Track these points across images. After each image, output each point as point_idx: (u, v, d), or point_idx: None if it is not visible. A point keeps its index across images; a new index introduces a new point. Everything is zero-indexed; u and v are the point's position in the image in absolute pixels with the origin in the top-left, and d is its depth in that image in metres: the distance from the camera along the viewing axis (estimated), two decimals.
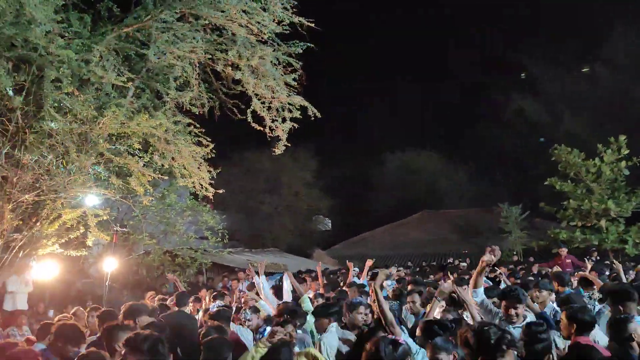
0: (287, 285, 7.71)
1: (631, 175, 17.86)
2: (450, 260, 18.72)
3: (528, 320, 4.48)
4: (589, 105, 32.35)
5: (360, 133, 38.58)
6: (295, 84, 9.72)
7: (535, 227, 23.02)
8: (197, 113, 9.86)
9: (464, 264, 15.54)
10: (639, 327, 3.57)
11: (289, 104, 9.61)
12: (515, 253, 20.91)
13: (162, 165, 9.26)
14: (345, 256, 25.33)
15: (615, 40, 32.93)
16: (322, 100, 11.19)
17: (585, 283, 6.61)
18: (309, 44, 9.60)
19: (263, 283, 7.38)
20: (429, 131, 37.42)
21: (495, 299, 4.99)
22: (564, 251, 13.14)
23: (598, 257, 14.69)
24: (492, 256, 4.49)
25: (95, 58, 7.78)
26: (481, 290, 4.70)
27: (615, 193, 17.98)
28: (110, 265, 9.45)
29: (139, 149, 8.85)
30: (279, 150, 9.90)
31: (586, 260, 9.44)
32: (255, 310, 6.23)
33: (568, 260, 12.60)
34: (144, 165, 8.89)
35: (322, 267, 10.60)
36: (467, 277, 9.56)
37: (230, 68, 9.38)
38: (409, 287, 6.99)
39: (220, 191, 10.15)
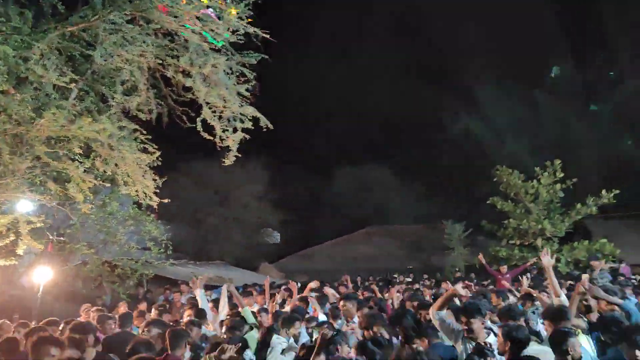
0: (223, 299, 7.62)
1: (565, 197, 18.77)
2: (395, 275, 18.94)
3: (492, 336, 4.58)
4: (530, 129, 34.00)
5: (312, 147, 38.65)
6: (248, 94, 9.60)
7: (477, 245, 23.69)
8: (144, 119, 9.56)
9: (409, 279, 15.76)
10: (577, 344, 3.70)
11: (241, 114, 9.47)
12: (457, 269, 21.44)
13: (104, 172, 8.90)
14: (292, 270, 25.26)
15: (555, 69, 34.88)
16: (275, 112, 11.09)
17: (527, 298, 6.82)
18: (263, 55, 9.54)
19: (202, 297, 7.32)
20: (380, 148, 37.98)
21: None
22: (504, 268, 13.63)
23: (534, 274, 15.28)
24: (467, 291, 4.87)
25: (36, 56, 7.41)
26: (443, 312, 4.80)
27: (550, 214, 18.84)
28: (43, 275, 8.93)
29: (79, 154, 8.45)
30: (229, 161, 9.70)
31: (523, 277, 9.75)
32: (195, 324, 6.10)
33: (507, 275, 13.11)
34: (85, 171, 8.50)
35: (269, 280, 10.43)
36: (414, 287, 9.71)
37: (181, 75, 9.16)
38: (341, 303, 6.99)
39: (166, 201, 9.86)
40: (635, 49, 32.90)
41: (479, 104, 36.06)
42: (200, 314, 6.65)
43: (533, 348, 4.08)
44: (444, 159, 35.88)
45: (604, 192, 17.72)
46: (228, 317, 6.69)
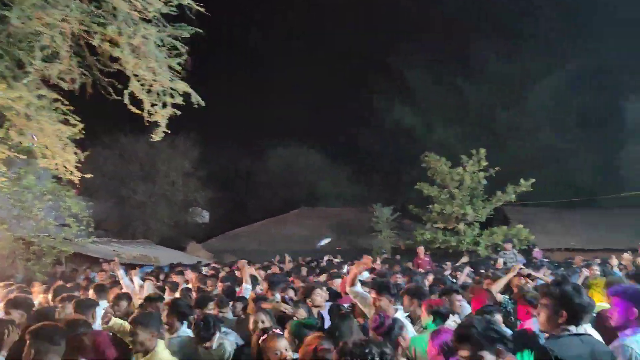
0: (136, 281, 7.69)
1: (488, 185, 19.78)
2: (327, 257, 19.22)
3: (399, 312, 4.82)
4: (458, 118, 35.34)
5: (244, 126, 38.00)
6: (180, 68, 9.23)
7: (403, 228, 24.54)
8: (66, 89, 8.95)
9: (337, 260, 16.06)
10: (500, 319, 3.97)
11: (172, 88, 9.08)
12: (384, 251, 22.09)
13: (20, 143, 8.30)
14: (221, 250, 24.97)
15: (484, 59, 36.31)
16: (207, 89, 10.76)
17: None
18: (197, 29, 9.19)
19: (123, 277, 7.34)
20: (312, 130, 38.02)
21: None
22: (421, 250, 14.19)
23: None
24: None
25: None
26: (357, 286, 5.18)
27: (473, 200, 19.81)
28: None
29: None
30: (157, 136, 9.31)
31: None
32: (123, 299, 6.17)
33: (427, 259, 13.71)
34: None
35: (195, 260, 10.29)
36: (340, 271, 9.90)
37: (108, 44, 8.62)
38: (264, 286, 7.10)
39: (88, 176, 9.38)
40: (561, 42, 34.92)
41: (410, 90, 36.97)
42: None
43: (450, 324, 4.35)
44: (375, 144, 36.56)
45: (522, 180, 18.80)
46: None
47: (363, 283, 6.82)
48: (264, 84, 39.12)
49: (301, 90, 38.62)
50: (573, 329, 2.84)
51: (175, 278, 9.53)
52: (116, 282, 8.02)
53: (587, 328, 3.01)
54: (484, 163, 19.32)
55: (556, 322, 2.89)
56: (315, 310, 5.80)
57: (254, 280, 9.33)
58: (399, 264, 14.35)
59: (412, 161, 23.74)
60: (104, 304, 6.60)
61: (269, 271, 11.62)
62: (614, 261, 10.59)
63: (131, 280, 7.95)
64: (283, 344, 3.74)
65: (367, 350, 2.55)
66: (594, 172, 32.22)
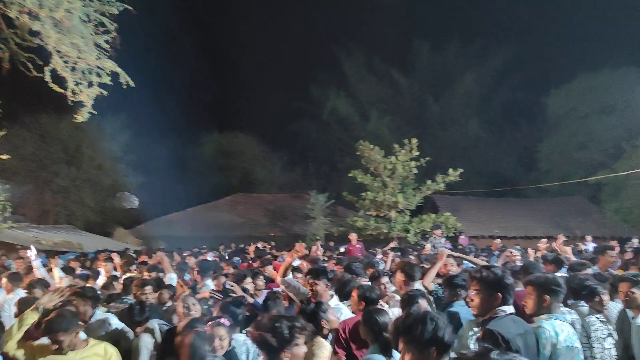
0: (56, 273, 7.47)
1: (418, 174, 20.38)
2: (259, 244, 19.14)
3: (334, 298, 4.93)
4: (392, 108, 36.10)
5: (178, 109, 36.84)
6: (108, 46, 8.77)
7: (337, 215, 24.87)
8: None
9: (269, 246, 16.06)
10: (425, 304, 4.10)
11: (98, 67, 8.63)
12: (318, 238, 22.29)
13: None
14: (151, 236, 24.21)
15: (417, 52, 37.25)
16: (138, 69, 10.30)
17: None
18: (126, 6, 8.75)
19: (38, 266, 7.15)
20: (249, 116, 37.49)
21: None
22: (353, 236, 14.40)
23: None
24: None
25: None
26: (289, 276, 5.25)
27: (404, 188, 20.35)
28: None
29: None
30: (81, 117, 8.83)
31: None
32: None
33: (359, 246, 13.99)
34: None
35: (123, 246, 9.91)
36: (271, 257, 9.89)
37: (27, 16, 8.03)
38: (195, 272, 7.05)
39: (5, 157, 8.77)
40: (488, 37, 36.36)
41: (347, 80, 37.32)
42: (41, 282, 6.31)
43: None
44: (311, 132, 36.69)
45: (451, 170, 19.51)
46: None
47: (295, 269, 6.90)
48: (200, 67, 38.10)
49: (237, 76, 38.04)
50: (506, 309, 2.98)
51: (101, 265, 9.15)
52: (32, 269, 7.60)
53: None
54: (416, 152, 19.86)
55: (492, 304, 3.00)
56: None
57: (184, 267, 9.17)
58: (337, 250, 14.57)
59: (347, 150, 24.09)
60: (20, 293, 6.25)
61: (200, 257, 11.45)
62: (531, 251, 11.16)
63: (50, 270, 7.60)
64: (222, 332, 3.78)
65: (277, 324, 2.68)
66: (517, 163, 34.12)
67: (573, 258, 7.21)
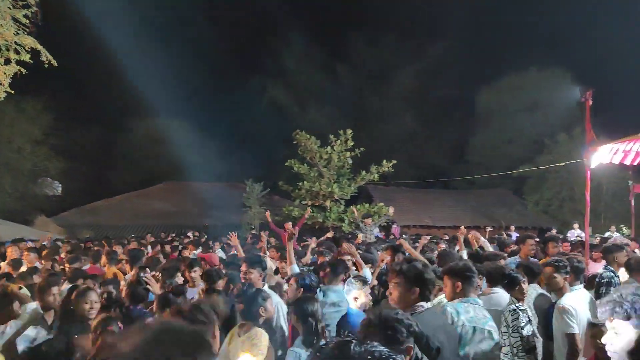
0: None
1: (353, 164, 20.63)
2: (190, 233, 18.71)
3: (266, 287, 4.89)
4: (330, 100, 36.38)
5: (107, 93, 35.08)
6: (28, 22, 8.17)
7: (273, 204, 24.73)
8: None
9: (197, 235, 15.75)
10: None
11: (17, 43, 8.04)
12: (252, 227, 22.10)
13: None
14: (75, 225, 23.04)
15: (356, 46, 37.66)
16: (63, 48, 9.67)
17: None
18: None
19: None
20: (184, 103, 36.40)
21: None
22: (288, 226, 14.38)
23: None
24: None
25: None
26: None
27: (340, 178, 20.54)
28: None
29: None
30: None
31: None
32: None
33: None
34: None
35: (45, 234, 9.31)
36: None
37: None
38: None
39: None
40: (424, 34, 37.33)
41: (285, 71, 37.18)
42: None
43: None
44: (248, 121, 36.27)
45: (384, 161, 19.89)
46: None
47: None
48: (133, 50, 36.37)
49: (173, 62, 36.78)
50: (424, 304, 2.98)
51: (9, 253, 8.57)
52: None
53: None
54: (351, 143, 20.07)
55: (409, 298, 2.99)
56: None
57: (114, 256, 8.77)
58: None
59: (285, 139, 23.95)
60: None
61: (128, 246, 11.01)
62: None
63: None
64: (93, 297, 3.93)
65: (196, 311, 2.72)
66: (448, 156, 35.41)
67: (489, 248, 7.54)
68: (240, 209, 24.01)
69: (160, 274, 6.04)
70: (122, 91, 34.80)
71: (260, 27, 39.33)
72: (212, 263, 7.78)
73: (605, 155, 7.73)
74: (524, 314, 3.95)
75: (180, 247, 11.08)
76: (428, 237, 8.61)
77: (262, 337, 3.54)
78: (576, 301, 4.02)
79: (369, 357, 1.12)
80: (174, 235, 17.75)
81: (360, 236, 10.86)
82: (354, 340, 1.19)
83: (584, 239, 9.54)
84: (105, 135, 33.61)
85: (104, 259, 8.28)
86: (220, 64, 36.80)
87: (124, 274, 7.54)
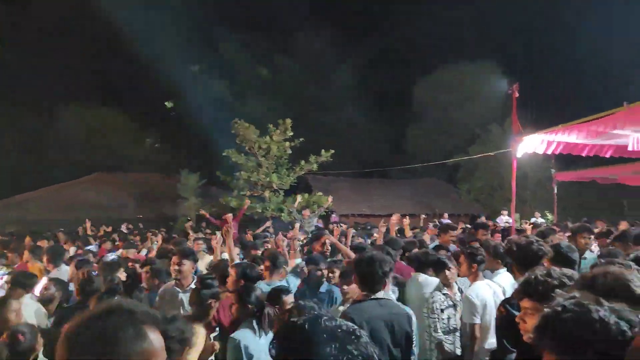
0: None
1: (293, 154, 20.58)
2: (124, 226, 18.03)
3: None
4: (269, 90, 36.08)
5: (32, 78, 32.91)
6: None
7: (210, 195, 24.30)
8: None
9: (130, 227, 15.27)
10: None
11: None
12: (189, 219, 21.62)
13: None
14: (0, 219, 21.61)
15: (295, 37, 37.57)
16: None
17: None
18: None
19: None
20: (116, 91, 34.74)
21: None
22: (229, 217, 14.22)
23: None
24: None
25: None
26: None
27: (279, 168, 20.45)
28: None
29: None
30: None
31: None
32: None
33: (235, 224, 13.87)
34: None
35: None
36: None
37: None
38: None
39: None
40: (363, 27, 37.71)
41: (222, 60, 36.50)
42: None
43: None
44: (184, 110, 35.30)
45: (323, 151, 19.96)
46: None
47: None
48: (64, 32, 34.36)
49: (106, 47, 35.14)
50: (371, 294, 3.02)
51: None
52: None
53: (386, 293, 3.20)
54: (290, 133, 20.00)
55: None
56: None
57: (38, 252, 8.27)
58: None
59: (222, 130, 23.49)
60: None
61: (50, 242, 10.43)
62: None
63: None
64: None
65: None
66: (386, 147, 36.12)
67: (409, 234, 7.81)
68: (174, 200, 23.41)
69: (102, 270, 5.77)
70: (50, 76, 32.97)
71: (198, 15, 38.21)
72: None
73: (530, 145, 8.11)
74: (447, 298, 4.08)
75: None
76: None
77: (199, 334, 3.45)
78: (483, 290, 4.06)
79: (338, 331, 1.17)
80: (108, 229, 17.03)
81: (297, 226, 10.83)
82: (325, 315, 1.24)
83: (511, 225, 10.03)
84: (30, 123, 31.69)
85: (26, 255, 7.80)
86: (154, 52, 35.47)
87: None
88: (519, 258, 3.16)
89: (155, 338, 1.28)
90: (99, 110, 33.40)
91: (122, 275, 5.67)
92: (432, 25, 37.48)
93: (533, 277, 2.21)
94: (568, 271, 2.26)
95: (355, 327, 1.23)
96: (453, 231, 7.37)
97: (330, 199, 15.21)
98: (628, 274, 1.79)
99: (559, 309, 1.35)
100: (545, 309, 1.41)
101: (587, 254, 5.49)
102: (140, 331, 1.24)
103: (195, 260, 5.11)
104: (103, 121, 33.20)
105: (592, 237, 5.68)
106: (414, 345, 3.08)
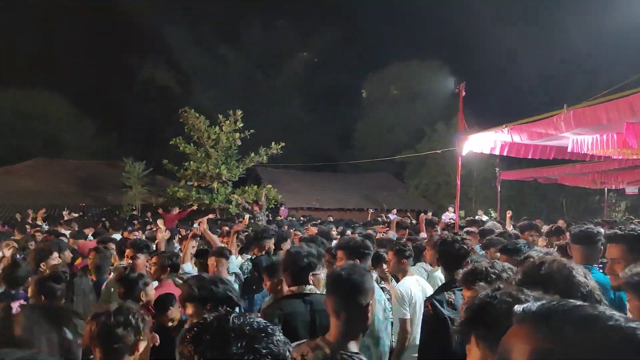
0: None
1: (242, 146, 20.33)
2: (65, 212, 17.23)
3: None
4: (218, 81, 35.49)
5: None
6: None
7: (156, 184, 23.65)
8: None
9: (75, 215, 14.65)
10: None
11: None
12: (134, 208, 21.00)
13: None
14: None
15: (245, 28, 37.13)
16: None
17: None
18: None
19: None
20: (57, 75, 33.07)
21: None
22: (175, 210, 14.13)
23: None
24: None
25: None
26: None
27: (228, 159, 20.15)
28: None
29: None
30: None
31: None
32: None
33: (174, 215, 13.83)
34: None
35: None
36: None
37: None
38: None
39: None
40: (313, 20, 37.64)
41: (168, 50, 35.71)
42: None
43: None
44: (128, 98, 34.21)
45: (273, 144, 19.83)
46: None
47: None
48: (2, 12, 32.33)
49: (47, 29, 33.38)
50: (295, 289, 2.94)
51: None
52: None
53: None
54: (240, 124, 19.73)
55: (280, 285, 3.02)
56: None
57: None
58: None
59: (169, 119, 22.94)
60: None
61: None
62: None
63: None
64: None
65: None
66: (335, 141, 36.37)
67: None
68: (118, 188, 22.62)
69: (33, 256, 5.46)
70: None
71: (149, 2, 36.98)
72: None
73: (475, 143, 8.35)
74: (385, 292, 4.13)
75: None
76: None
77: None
78: (412, 286, 4.07)
79: (247, 328, 1.16)
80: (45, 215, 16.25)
81: (247, 217, 10.70)
82: (233, 313, 1.22)
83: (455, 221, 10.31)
84: None
85: None
86: (100, 37, 34.09)
87: None
88: (443, 254, 3.19)
89: None
90: (38, 94, 31.75)
91: (52, 260, 5.39)
92: (383, 22, 38.07)
93: (479, 267, 2.25)
94: (509, 265, 2.32)
95: (269, 324, 1.20)
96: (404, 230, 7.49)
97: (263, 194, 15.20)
98: (574, 265, 1.86)
99: (490, 298, 1.38)
100: (475, 299, 1.43)
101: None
102: None
103: (150, 254, 4.96)
104: (42, 106, 31.58)
105: (538, 234, 5.88)
106: None
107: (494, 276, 2.18)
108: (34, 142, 29.85)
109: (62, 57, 33.54)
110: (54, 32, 33.28)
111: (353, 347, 1.96)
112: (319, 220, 13.48)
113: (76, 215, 14.52)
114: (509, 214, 9.18)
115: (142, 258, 4.73)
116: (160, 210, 14.87)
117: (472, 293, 2.09)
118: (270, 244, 5.53)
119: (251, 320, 1.19)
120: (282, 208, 20.69)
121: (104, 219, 15.43)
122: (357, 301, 2.00)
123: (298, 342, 2.10)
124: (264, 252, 5.46)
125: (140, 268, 4.59)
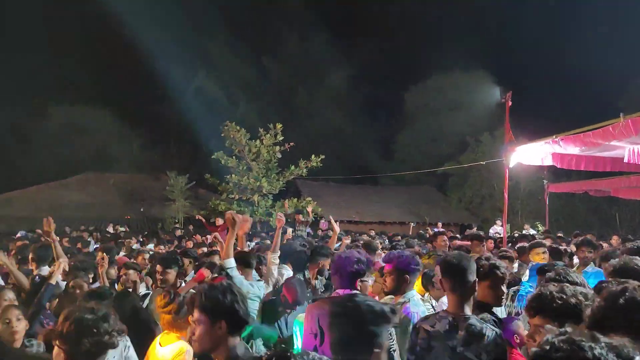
0: None
1: (282, 159, 20.41)
2: (110, 227, 17.71)
3: None
4: (260, 94, 35.98)
5: (20, 77, 32.41)
6: None
7: (198, 197, 24.02)
8: None
9: (122, 229, 15.00)
10: None
11: None
12: (177, 220, 21.35)
13: None
14: None
15: (286, 41, 37.52)
16: None
17: None
18: None
19: None
20: (105, 91, 34.33)
21: None
22: (219, 221, 14.22)
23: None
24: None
25: None
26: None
27: (268, 172, 20.25)
28: None
29: None
30: None
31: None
32: None
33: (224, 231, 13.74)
34: None
35: None
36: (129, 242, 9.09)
37: None
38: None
39: None
40: (352, 35, 37.71)
41: (213, 63, 36.41)
42: None
43: None
44: (173, 112, 35.03)
45: (313, 156, 19.81)
46: None
47: None
48: (52, 31, 33.92)
49: (95, 46, 34.76)
50: (342, 292, 2.92)
51: None
52: None
53: None
54: (280, 137, 19.84)
55: None
56: None
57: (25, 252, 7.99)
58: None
59: (212, 132, 23.27)
60: None
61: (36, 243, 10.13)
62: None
63: None
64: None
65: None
66: (375, 153, 36.09)
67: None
68: (161, 202, 23.10)
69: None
70: (40, 75, 32.58)
71: (190, 16, 37.99)
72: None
73: (522, 155, 8.01)
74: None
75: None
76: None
77: None
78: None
79: None
80: (92, 229, 16.76)
81: (290, 231, 10.63)
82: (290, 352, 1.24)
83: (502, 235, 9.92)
84: (19, 121, 31.30)
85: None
86: (147, 52, 35.19)
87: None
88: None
89: None
90: (88, 109, 33.03)
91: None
92: (426, 31, 37.65)
93: (547, 292, 2.09)
94: (582, 288, 2.15)
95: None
96: (443, 236, 7.26)
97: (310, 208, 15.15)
98: None
99: (547, 347, 1.19)
100: (533, 349, 1.26)
101: (589, 268, 5.35)
102: None
103: (181, 267, 4.95)
104: (92, 121, 32.83)
105: (593, 251, 5.51)
106: None
107: (559, 302, 2.01)
108: (84, 156, 30.98)
109: (111, 73, 34.83)
110: (103, 48, 34.58)
111: (467, 311, 2.64)
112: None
113: (122, 229, 14.81)
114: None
115: (172, 273, 4.64)
116: (202, 220, 15.13)
117: (542, 322, 2.05)
118: (325, 262, 5.06)
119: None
120: (322, 221, 20.56)
121: (146, 232, 15.74)
122: (467, 280, 2.65)
123: (425, 316, 2.86)
124: (316, 272, 5.13)
125: (170, 282, 4.56)
